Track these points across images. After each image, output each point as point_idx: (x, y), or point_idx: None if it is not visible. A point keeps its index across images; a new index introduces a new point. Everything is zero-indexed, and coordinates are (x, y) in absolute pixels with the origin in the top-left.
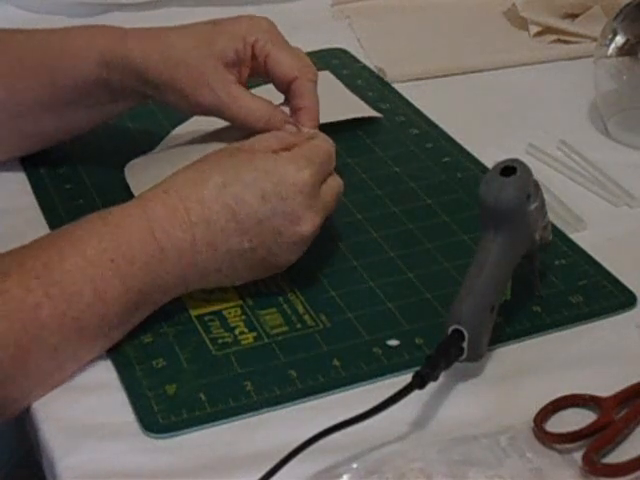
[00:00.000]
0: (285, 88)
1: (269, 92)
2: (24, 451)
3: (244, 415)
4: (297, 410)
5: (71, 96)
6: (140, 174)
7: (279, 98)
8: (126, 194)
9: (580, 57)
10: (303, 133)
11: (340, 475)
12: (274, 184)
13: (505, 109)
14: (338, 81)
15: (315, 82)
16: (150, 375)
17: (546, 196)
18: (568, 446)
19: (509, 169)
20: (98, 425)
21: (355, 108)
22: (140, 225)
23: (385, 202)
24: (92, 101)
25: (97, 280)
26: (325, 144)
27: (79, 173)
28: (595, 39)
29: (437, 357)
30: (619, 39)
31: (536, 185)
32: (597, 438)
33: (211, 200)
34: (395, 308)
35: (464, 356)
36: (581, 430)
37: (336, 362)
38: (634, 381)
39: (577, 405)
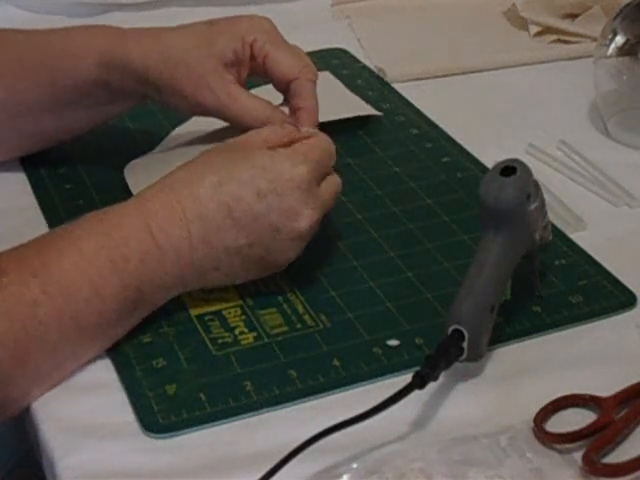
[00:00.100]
0: (284, 88)
1: (269, 92)
2: (24, 451)
3: (244, 415)
4: (297, 410)
5: (71, 96)
6: (139, 174)
7: (278, 98)
8: (126, 194)
9: (580, 57)
10: (302, 131)
11: (340, 475)
12: (270, 180)
13: (505, 109)
14: (338, 81)
15: (314, 82)
16: (150, 375)
17: (546, 196)
18: (568, 446)
19: (509, 169)
20: (98, 425)
21: (355, 107)
22: (137, 223)
23: (385, 202)
24: (92, 101)
25: (94, 277)
26: (324, 142)
27: (79, 173)
28: (595, 39)
29: (437, 357)
30: (619, 39)
31: (536, 185)
32: (597, 438)
33: (207, 198)
34: (395, 308)
35: (464, 356)
36: (581, 430)
37: (336, 362)
38: (634, 381)
39: (577, 405)
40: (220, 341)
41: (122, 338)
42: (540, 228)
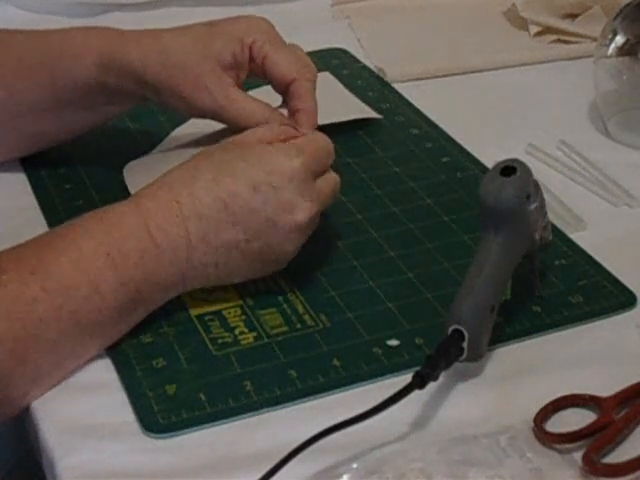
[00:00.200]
0: (283, 89)
1: (267, 93)
2: (24, 451)
3: (244, 415)
4: (297, 410)
5: (70, 97)
6: (138, 175)
7: (277, 99)
8: (125, 194)
9: (580, 57)
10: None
11: (340, 475)
12: (265, 173)
13: (505, 109)
14: (338, 82)
15: (314, 82)
16: (150, 375)
17: (546, 196)
18: (568, 446)
19: (509, 169)
20: (98, 425)
21: (355, 109)
22: (134, 221)
23: (385, 202)
24: (91, 102)
25: (93, 275)
26: (321, 139)
27: (79, 173)
28: (595, 39)
29: (437, 357)
30: (619, 39)
31: (536, 185)
32: (597, 438)
33: (202, 193)
34: (395, 308)
35: (464, 356)
36: (581, 430)
37: (336, 362)
38: (634, 381)
39: (577, 405)
40: (220, 341)
41: (122, 338)
42: (540, 228)
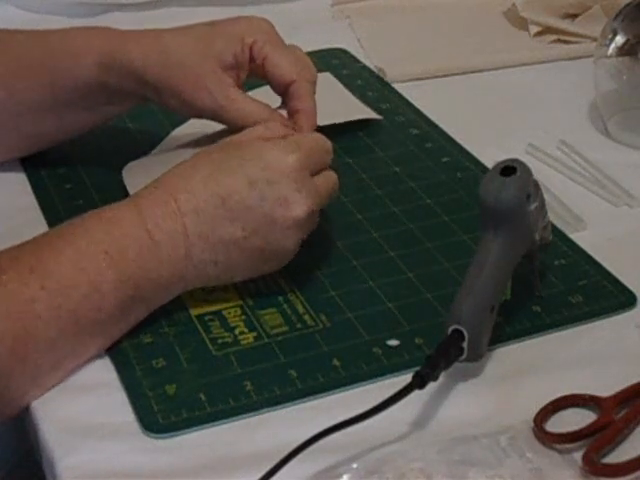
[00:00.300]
0: (283, 90)
1: (267, 94)
2: (24, 451)
3: (244, 415)
4: (297, 410)
5: (70, 97)
6: (137, 176)
7: (277, 100)
8: (125, 194)
9: (580, 57)
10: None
11: (340, 475)
12: (261, 169)
13: (505, 109)
14: (338, 83)
15: (313, 83)
16: (150, 375)
17: (546, 196)
18: (568, 446)
19: (509, 169)
20: (98, 425)
21: (355, 110)
22: (132, 219)
23: (385, 202)
24: (91, 102)
25: (92, 273)
26: (318, 137)
27: (79, 173)
28: (595, 39)
29: (437, 357)
30: (619, 39)
31: (536, 185)
32: (597, 438)
33: (199, 190)
34: (395, 308)
35: (464, 356)
36: (581, 430)
37: (336, 362)
38: (634, 381)
39: (577, 405)
40: (220, 341)
41: (122, 338)
42: (540, 228)
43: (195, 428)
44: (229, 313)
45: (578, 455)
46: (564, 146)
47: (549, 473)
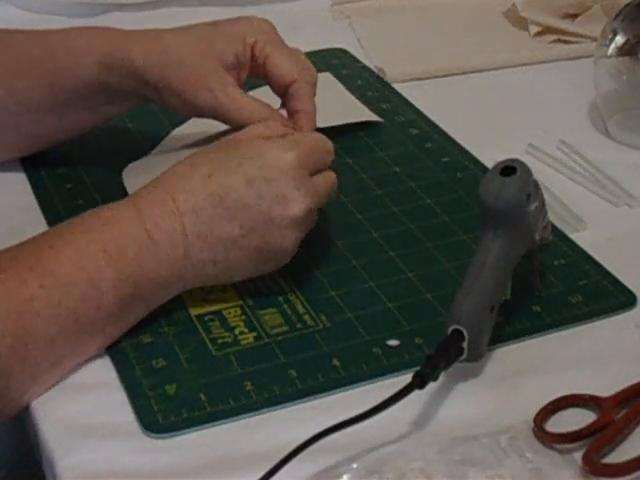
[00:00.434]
0: (283, 91)
1: (267, 94)
2: (24, 451)
3: (244, 415)
4: (297, 410)
5: (71, 96)
6: (137, 177)
7: (277, 100)
8: (125, 194)
9: (580, 57)
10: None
11: (340, 475)
12: (258, 167)
13: (505, 109)
14: (339, 83)
15: (314, 85)
16: (150, 375)
17: (546, 196)
18: (568, 446)
19: (509, 169)
20: (98, 425)
21: (355, 112)
22: (131, 219)
23: (385, 202)
24: (92, 102)
25: (91, 271)
26: (318, 137)
27: (79, 173)
28: (595, 39)
29: (437, 357)
30: (619, 39)
31: (536, 185)
32: (597, 438)
33: (198, 189)
34: (395, 308)
35: (464, 356)
36: (581, 430)
37: (336, 362)
38: (634, 381)
39: (577, 405)
40: (220, 341)
41: (122, 338)
42: (540, 228)
43: (195, 428)
44: (229, 313)
45: (578, 455)
46: (564, 146)
47: (549, 473)
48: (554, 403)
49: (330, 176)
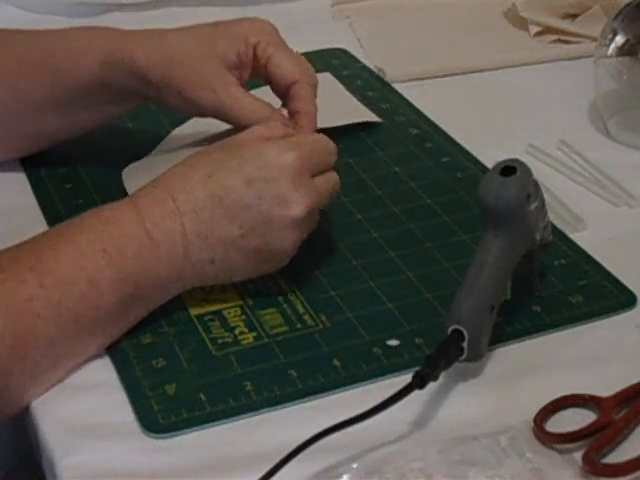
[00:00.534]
0: (284, 91)
1: (267, 94)
2: (24, 451)
3: (244, 415)
4: (297, 410)
5: (72, 96)
6: (137, 178)
7: (278, 100)
8: (125, 194)
9: (580, 57)
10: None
11: (340, 475)
12: (258, 168)
13: (505, 109)
14: (339, 83)
15: (315, 87)
16: (150, 375)
17: (546, 196)
18: (568, 446)
19: (509, 169)
20: (98, 425)
21: (355, 113)
22: (131, 218)
23: (385, 202)
24: (93, 102)
25: (90, 270)
26: (321, 138)
27: (79, 173)
28: (595, 39)
29: (437, 357)
30: (619, 39)
31: (536, 185)
32: (597, 438)
33: (198, 189)
34: (395, 308)
35: (464, 356)
36: (581, 430)
37: (336, 362)
38: (634, 381)
39: (577, 405)
40: (220, 341)
41: (122, 338)
42: (540, 228)
43: (195, 428)
44: (229, 313)
45: (578, 455)
46: (564, 146)
47: (549, 473)
48: (554, 403)
49: (332, 177)
